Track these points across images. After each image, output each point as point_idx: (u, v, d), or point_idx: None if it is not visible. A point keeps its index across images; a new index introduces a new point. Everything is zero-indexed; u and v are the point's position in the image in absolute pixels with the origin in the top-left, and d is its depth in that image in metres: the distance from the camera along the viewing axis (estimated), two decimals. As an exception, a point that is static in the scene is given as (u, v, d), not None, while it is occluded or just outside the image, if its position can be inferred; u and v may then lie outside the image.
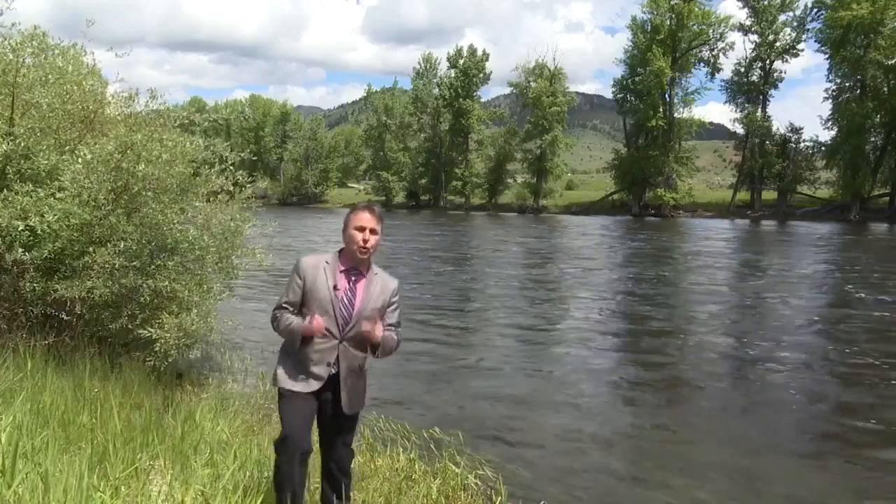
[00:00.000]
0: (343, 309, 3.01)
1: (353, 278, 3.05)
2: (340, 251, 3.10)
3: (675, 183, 50.33)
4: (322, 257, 3.08)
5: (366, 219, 3.00)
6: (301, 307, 3.07)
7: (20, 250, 5.38)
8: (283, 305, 3.08)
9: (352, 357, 3.07)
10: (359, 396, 3.15)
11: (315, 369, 3.02)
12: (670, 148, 50.63)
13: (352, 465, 3.34)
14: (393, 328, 3.20)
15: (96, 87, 7.06)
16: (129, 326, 5.83)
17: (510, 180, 60.32)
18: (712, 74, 51.84)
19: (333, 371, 3.03)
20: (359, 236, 2.99)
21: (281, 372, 3.08)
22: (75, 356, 5.52)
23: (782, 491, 5.00)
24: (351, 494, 3.32)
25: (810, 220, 41.64)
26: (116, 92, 7.30)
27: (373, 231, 3.01)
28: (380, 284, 3.10)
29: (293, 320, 3.02)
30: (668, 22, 50.21)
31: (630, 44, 52.79)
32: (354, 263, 3.05)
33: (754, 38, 48.76)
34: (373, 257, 3.14)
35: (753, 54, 48.98)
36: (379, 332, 3.02)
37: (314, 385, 3.02)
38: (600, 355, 9.13)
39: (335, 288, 2.99)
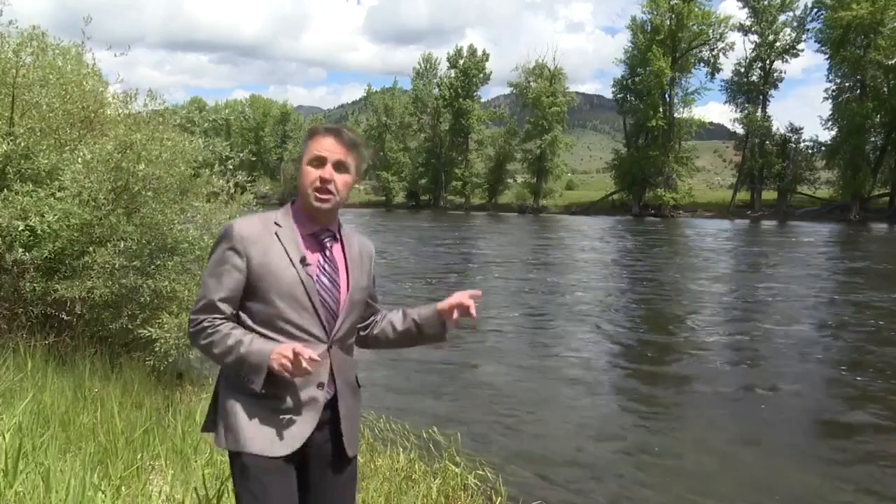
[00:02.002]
0: (325, 293, 1.86)
1: (326, 244, 1.91)
2: (293, 204, 1.95)
3: (675, 183, 50.36)
4: (268, 218, 1.89)
5: (329, 145, 1.84)
6: (244, 302, 1.85)
7: (20, 250, 5.38)
8: (218, 304, 1.80)
9: (347, 366, 1.96)
10: (357, 425, 2.05)
11: (304, 396, 1.84)
12: (670, 148, 50.66)
13: None
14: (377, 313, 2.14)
15: (96, 88, 7.07)
16: (130, 326, 5.83)
17: (510, 180, 60.38)
18: (712, 74, 51.96)
19: (329, 395, 1.90)
20: (314, 174, 1.83)
21: (239, 421, 1.81)
22: (75, 356, 5.53)
23: (784, 493, 5.00)
24: None
25: (810, 221, 41.65)
26: (116, 92, 7.32)
27: (340, 166, 1.85)
28: (357, 247, 2.01)
29: (241, 338, 1.77)
30: (668, 22, 50.26)
31: (630, 44, 52.90)
32: (320, 221, 1.90)
33: (754, 38, 48.90)
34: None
35: (753, 54, 49.06)
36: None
37: (306, 429, 1.84)
38: (601, 356, 9.13)
39: (304, 262, 1.83)
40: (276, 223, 1.86)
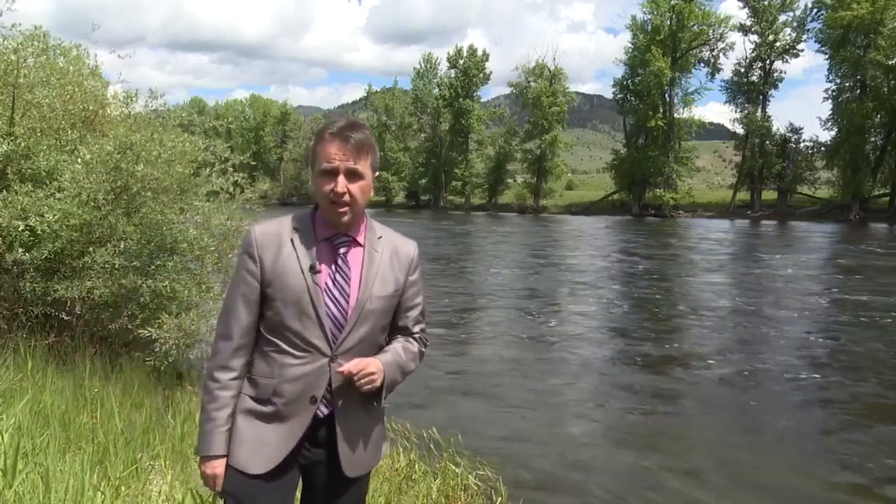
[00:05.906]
0: (332, 304, 1.77)
1: (340, 250, 1.81)
2: (316, 209, 1.86)
3: (675, 183, 50.37)
4: (288, 221, 1.83)
5: (336, 154, 1.72)
6: (262, 313, 1.81)
7: (20, 250, 5.38)
8: (229, 364, 1.80)
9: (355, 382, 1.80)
10: (370, 446, 1.96)
11: (291, 410, 1.77)
12: (670, 148, 50.68)
13: None
14: (409, 334, 2.07)
15: (97, 88, 7.07)
16: (129, 326, 5.83)
17: (510, 180, 60.39)
18: (712, 74, 51.98)
19: (325, 412, 1.81)
20: (326, 187, 1.74)
21: (234, 431, 1.81)
22: (75, 356, 5.53)
23: (784, 493, 5.00)
24: None
25: (810, 220, 41.65)
26: (117, 93, 7.32)
27: (352, 174, 1.74)
28: (388, 252, 1.90)
29: (213, 413, 1.79)
30: (668, 22, 50.27)
31: (630, 44, 52.88)
32: (340, 227, 1.81)
33: (754, 38, 48.90)
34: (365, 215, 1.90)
35: (753, 54, 49.07)
36: (370, 368, 1.78)
37: (284, 447, 1.77)
38: (601, 358, 9.13)
39: (313, 270, 1.76)
40: (294, 227, 1.81)
